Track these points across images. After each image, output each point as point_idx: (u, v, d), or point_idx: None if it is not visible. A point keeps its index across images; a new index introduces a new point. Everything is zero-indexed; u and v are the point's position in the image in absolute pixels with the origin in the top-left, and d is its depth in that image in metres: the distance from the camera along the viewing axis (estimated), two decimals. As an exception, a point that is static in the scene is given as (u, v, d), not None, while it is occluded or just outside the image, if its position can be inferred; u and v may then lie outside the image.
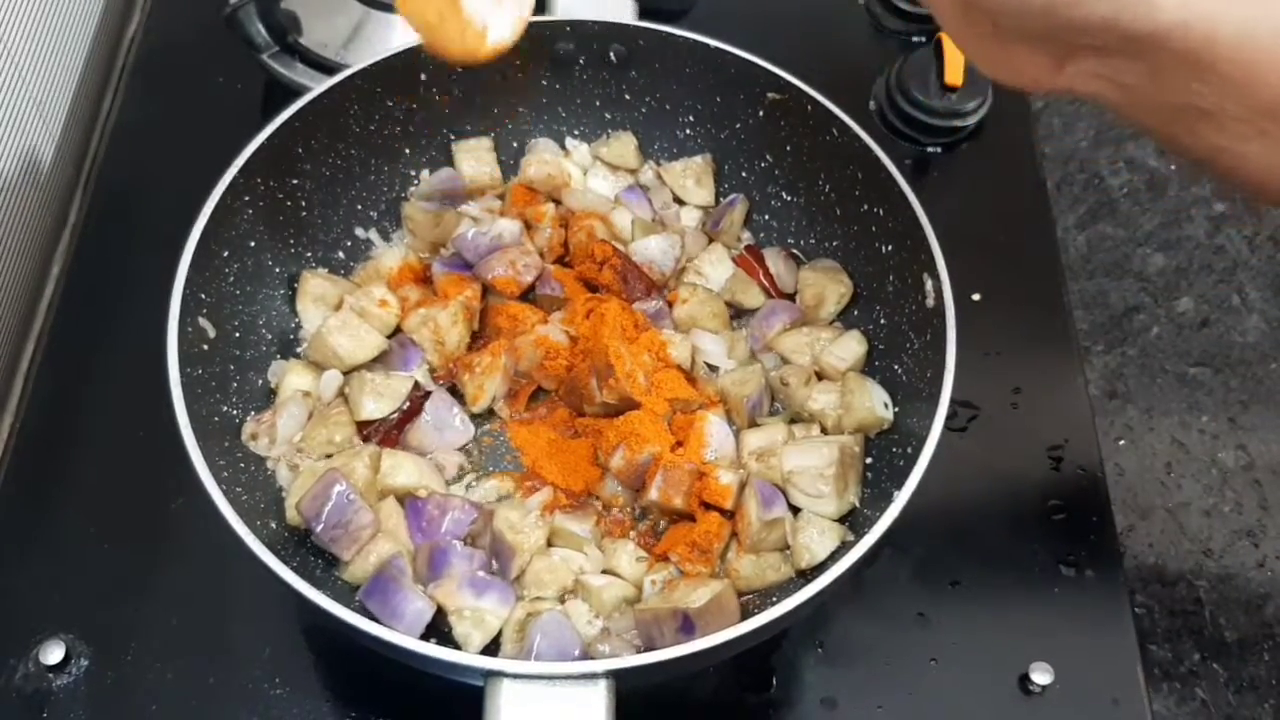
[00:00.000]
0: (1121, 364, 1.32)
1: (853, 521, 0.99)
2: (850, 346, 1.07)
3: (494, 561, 0.97)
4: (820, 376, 1.07)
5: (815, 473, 0.98)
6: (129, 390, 1.07)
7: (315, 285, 1.08)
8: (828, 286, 1.11)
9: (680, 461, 0.99)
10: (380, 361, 1.06)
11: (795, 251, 1.16)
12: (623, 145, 1.20)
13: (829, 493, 0.97)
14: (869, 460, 1.02)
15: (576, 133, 1.21)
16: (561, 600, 0.96)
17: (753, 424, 1.05)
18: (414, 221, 1.13)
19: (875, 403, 1.01)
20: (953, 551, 1.07)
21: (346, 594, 0.95)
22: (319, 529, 0.93)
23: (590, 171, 1.20)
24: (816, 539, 0.96)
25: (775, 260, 1.15)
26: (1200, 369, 1.32)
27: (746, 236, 1.19)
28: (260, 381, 1.04)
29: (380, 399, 1.03)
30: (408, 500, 0.98)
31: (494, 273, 1.09)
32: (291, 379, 1.04)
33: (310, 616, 0.99)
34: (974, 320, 1.05)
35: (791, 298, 1.14)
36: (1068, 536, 1.09)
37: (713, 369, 1.10)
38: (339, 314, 1.06)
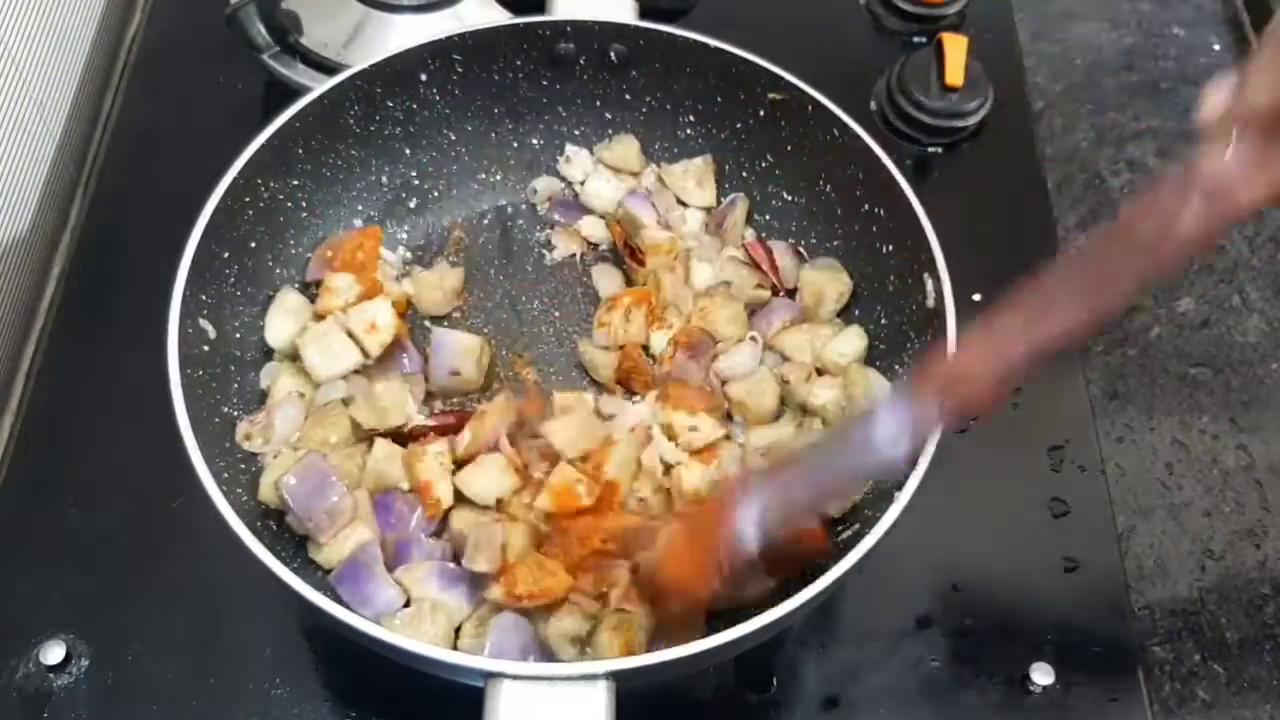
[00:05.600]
0: (1121, 364, 1.31)
1: (853, 521, 0.99)
2: (851, 341, 1.07)
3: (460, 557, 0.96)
4: (820, 373, 1.07)
5: (815, 473, 0.98)
6: (129, 390, 1.07)
7: (290, 300, 1.07)
8: (827, 285, 1.11)
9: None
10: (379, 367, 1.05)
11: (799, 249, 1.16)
12: (625, 148, 1.19)
13: (829, 492, 0.97)
14: (869, 460, 1.02)
15: (577, 133, 1.21)
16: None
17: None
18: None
19: (878, 393, 1.01)
20: (953, 551, 1.07)
21: (346, 594, 0.95)
22: (295, 508, 0.92)
23: (592, 176, 1.20)
24: (816, 539, 0.96)
25: (781, 253, 1.15)
26: (1201, 369, 1.32)
27: (749, 235, 1.19)
28: (261, 383, 1.04)
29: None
30: (378, 495, 0.97)
31: None
32: (284, 381, 1.03)
33: (311, 617, 0.99)
34: (974, 320, 1.05)
35: (792, 294, 1.14)
36: (1068, 536, 1.08)
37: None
38: (317, 326, 1.03)
